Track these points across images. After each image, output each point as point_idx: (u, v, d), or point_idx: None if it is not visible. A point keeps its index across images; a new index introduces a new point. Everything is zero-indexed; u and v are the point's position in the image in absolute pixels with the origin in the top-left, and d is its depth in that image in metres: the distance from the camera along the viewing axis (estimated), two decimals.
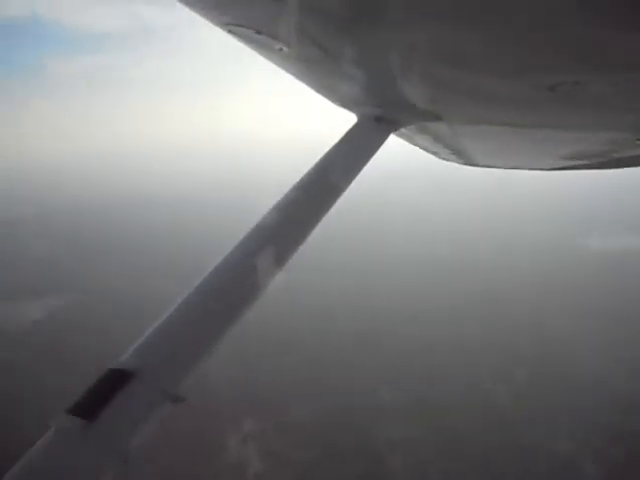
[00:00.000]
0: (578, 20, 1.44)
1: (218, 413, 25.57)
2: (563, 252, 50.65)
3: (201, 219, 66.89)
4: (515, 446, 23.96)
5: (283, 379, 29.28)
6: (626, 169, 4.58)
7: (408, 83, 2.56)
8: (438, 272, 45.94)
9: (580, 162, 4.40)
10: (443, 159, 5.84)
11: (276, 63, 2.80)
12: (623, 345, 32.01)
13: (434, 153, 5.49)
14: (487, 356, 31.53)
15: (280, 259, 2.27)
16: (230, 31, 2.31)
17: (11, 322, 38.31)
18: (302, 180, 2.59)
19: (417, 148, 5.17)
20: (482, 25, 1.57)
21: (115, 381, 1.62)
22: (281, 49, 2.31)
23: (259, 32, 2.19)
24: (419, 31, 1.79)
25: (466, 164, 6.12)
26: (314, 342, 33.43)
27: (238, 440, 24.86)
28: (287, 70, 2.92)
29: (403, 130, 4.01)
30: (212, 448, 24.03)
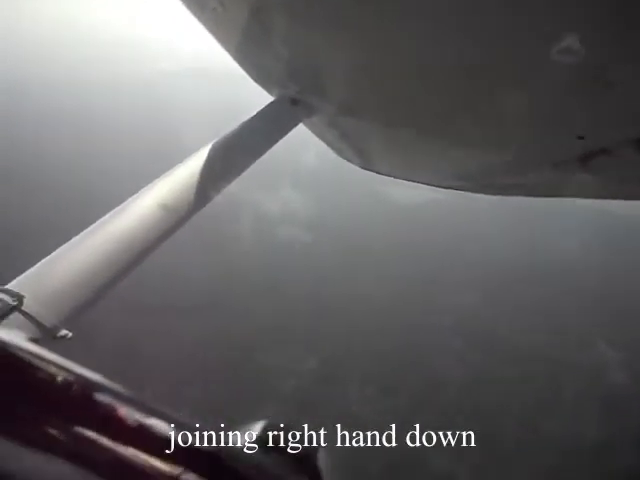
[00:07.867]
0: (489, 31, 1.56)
1: None
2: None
3: None
4: None
5: None
6: None
7: (330, 70, 2.56)
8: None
9: (466, 183, 4.52)
10: (344, 157, 6.05)
11: (207, 27, 2.73)
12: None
13: (337, 150, 5.68)
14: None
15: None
16: None
17: None
18: (204, 152, 2.50)
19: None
20: (405, 21, 1.60)
21: None
22: (215, 9, 2.28)
23: None
24: (348, 20, 1.76)
25: (364, 167, 6.36)
26: None
27: None
28: (217, 36, 2.86)
29: (315, 121, 4.12)
30: None
